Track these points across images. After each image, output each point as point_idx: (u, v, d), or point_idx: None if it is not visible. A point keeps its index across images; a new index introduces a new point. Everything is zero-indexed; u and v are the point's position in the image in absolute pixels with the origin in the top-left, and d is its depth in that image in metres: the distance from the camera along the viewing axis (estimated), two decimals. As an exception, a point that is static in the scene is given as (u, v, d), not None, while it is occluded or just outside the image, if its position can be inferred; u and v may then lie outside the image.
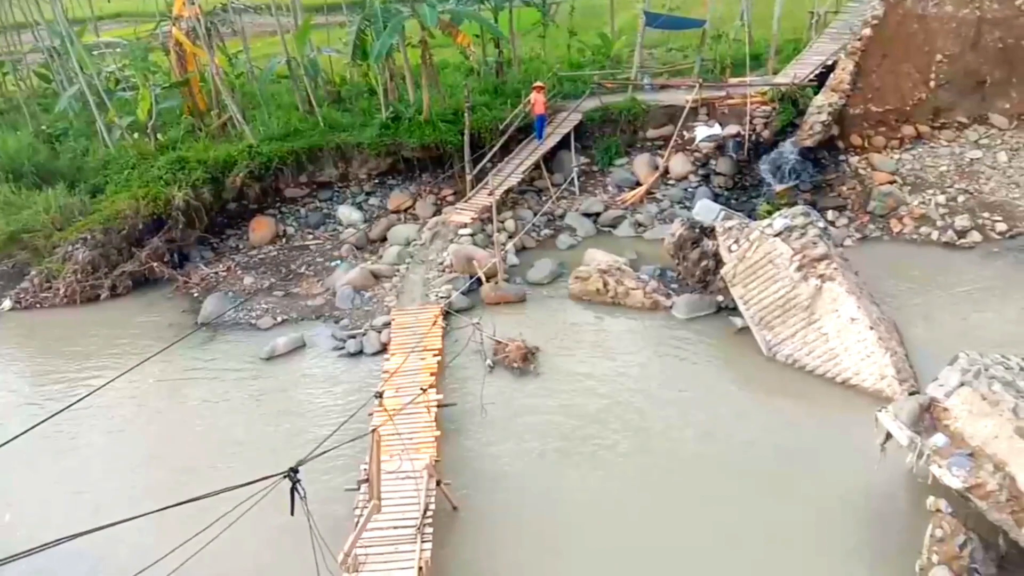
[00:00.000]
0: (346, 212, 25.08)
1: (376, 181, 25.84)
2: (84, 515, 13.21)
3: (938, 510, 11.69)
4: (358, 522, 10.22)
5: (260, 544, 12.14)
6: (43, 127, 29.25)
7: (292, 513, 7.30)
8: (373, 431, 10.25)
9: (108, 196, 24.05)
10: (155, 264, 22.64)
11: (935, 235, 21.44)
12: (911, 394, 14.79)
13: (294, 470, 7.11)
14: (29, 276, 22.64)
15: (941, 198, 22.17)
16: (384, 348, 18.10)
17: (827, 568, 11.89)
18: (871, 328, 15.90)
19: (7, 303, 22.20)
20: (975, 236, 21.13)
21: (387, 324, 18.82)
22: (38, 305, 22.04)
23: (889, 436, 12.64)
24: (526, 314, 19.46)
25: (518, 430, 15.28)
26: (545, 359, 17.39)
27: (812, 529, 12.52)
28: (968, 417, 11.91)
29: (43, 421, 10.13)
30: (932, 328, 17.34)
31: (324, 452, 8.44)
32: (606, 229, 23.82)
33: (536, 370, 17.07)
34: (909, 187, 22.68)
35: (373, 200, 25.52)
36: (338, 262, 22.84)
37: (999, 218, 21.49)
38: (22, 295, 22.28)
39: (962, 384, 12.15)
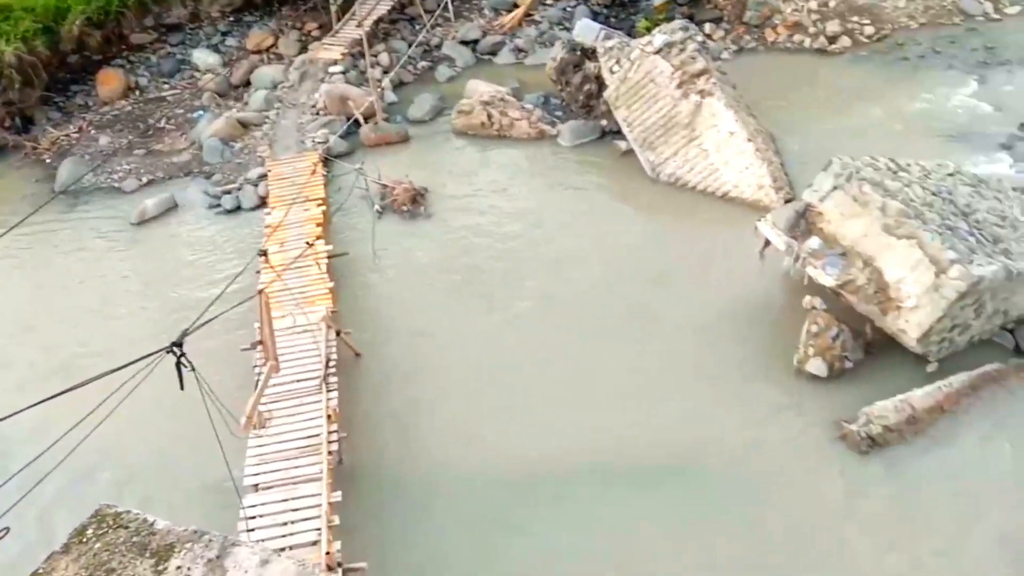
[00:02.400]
0: (202, 56, 22.97)
1: (231, 19, 23.62)
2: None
3: (813, 307, 12.55)
4: (258, 383, 10.04)
5: (162, 418, 11.75)
6: None
7: (182, 388, 7.01)
8: (260, 292, 9.83)
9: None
10: (-6, 131, 20.40)
11: (807, 42, 21.68)
12: (787, 201, 15.46)
13: (177, 344, 6.74)
14: None
15: (813, 3, 22.22)
16: (263, 202, 17.26)
17: (713, 366, 12.69)
18: (749, 140, 16.23)
19: None
20: (845, 41, 21.50)
21: (263, 176, 17.85)
22: None
23: (768, 243, 13.23)
24: (410, 154, 18.84)
25: (413, 273, 15.17)
26: (435, 199, 17.06)
27: (699, 332, 13.24)
28: (840, 219, 12.53)
29: None
30: (806, 136, 17.87)
31: (210, 320, 8.04)
32: (486, 57, 22.87)
33: (426, 211, 16.77)
34: (783, -6, 22.56)
35: (230, 41, 23.40)
36: (200, 113, 21.16)
37: (867, 21, 21.85)
38: None
39: (835, 188, 12.66)
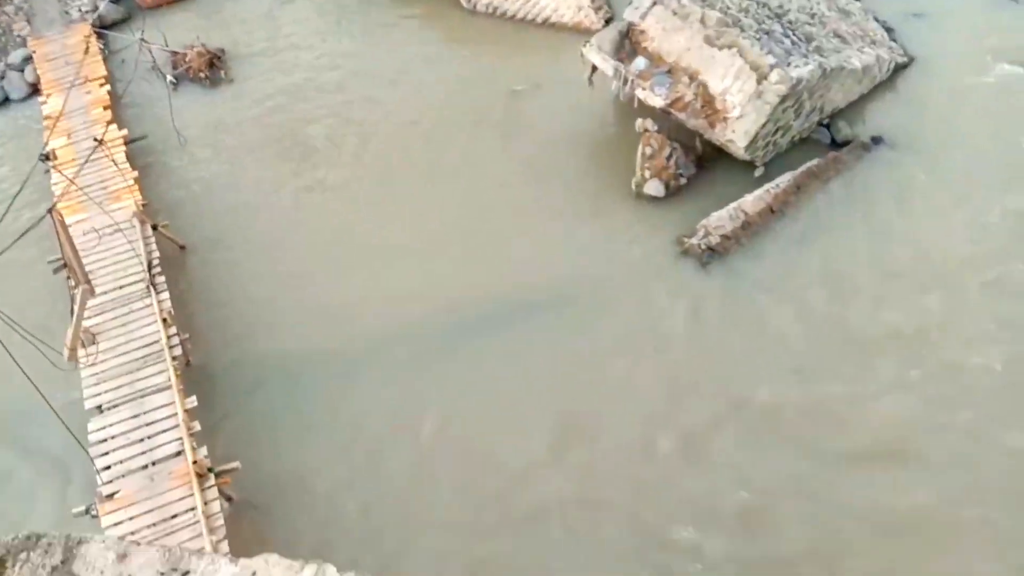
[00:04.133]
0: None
1: None
2: None
3: (646, 130, 12.59)
4: (72, 309, 8.93)
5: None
6: None
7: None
8: (51, 211, 8.48)
9: None
10: None
11: None
12: (608, 21, 15.11)
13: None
14: None
15: None
16: (35, 89, 14.97)
17: (556, 201, 12.63)
18: (563, -41, 15.50)
19: None
20: None
21: (28, 59, 15.39)
22: None
23: (595, 68, 12.95)
24: (197, 11, 16.73)
25: (226, 148, 13.86)
26: (235, 61, 15.40)
27: (538, 169, 13.04)
28: (663, 35, 12.37)
29: None
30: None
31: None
32: None
33: (228, 76, 15.15)
34: None
35: None
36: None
37: None
38: None
39: (655, 3, 12.41)
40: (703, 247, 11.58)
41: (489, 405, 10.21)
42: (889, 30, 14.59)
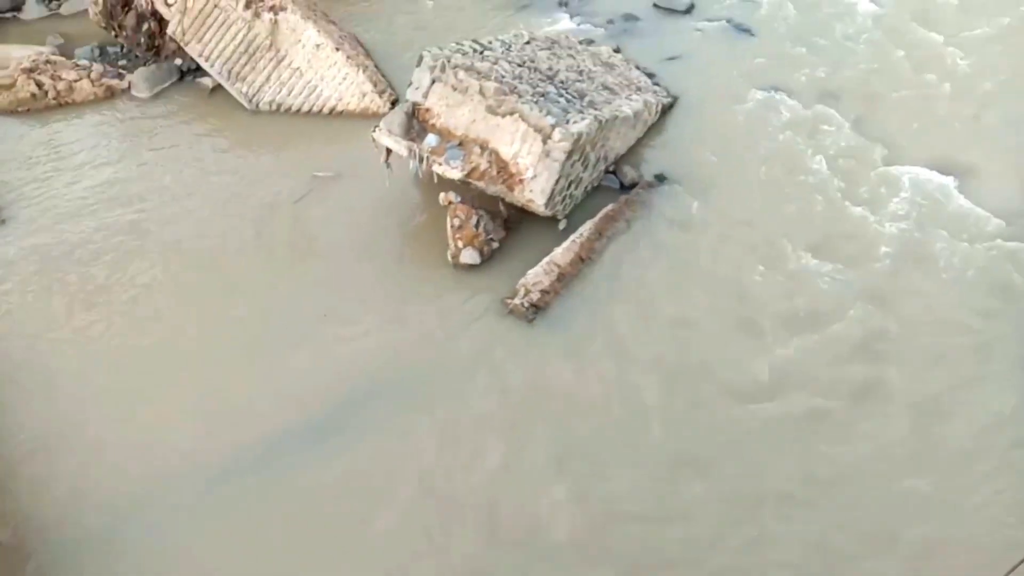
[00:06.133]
0: None
1: None
2: None
3: (450, 202, 12.90)
4: None
5: None
6: None
7: None
8: None
9: None
10: None
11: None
12: (393, 104, 15.45)
13: None
14: None
15: None
16: None
17: (372, 277, 12.62)
18: (337, 49, 15.73)
19: None
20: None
21: None
22: None
23: (389, 151, 13.16)
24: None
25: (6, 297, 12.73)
26: (5, 201, 14.26)
27: (350, 250, 13.02)
28: (447, 110, 12.80)
29: None
30: (388, 34, 17.74)
31: None
32: (8, 15, 19.12)
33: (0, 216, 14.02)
34: None
35: None
36: None
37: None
38: None
39: (434, 81, 12.83)
40: (526, 305, 11.93)
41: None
42: (651, 75, 15.91)
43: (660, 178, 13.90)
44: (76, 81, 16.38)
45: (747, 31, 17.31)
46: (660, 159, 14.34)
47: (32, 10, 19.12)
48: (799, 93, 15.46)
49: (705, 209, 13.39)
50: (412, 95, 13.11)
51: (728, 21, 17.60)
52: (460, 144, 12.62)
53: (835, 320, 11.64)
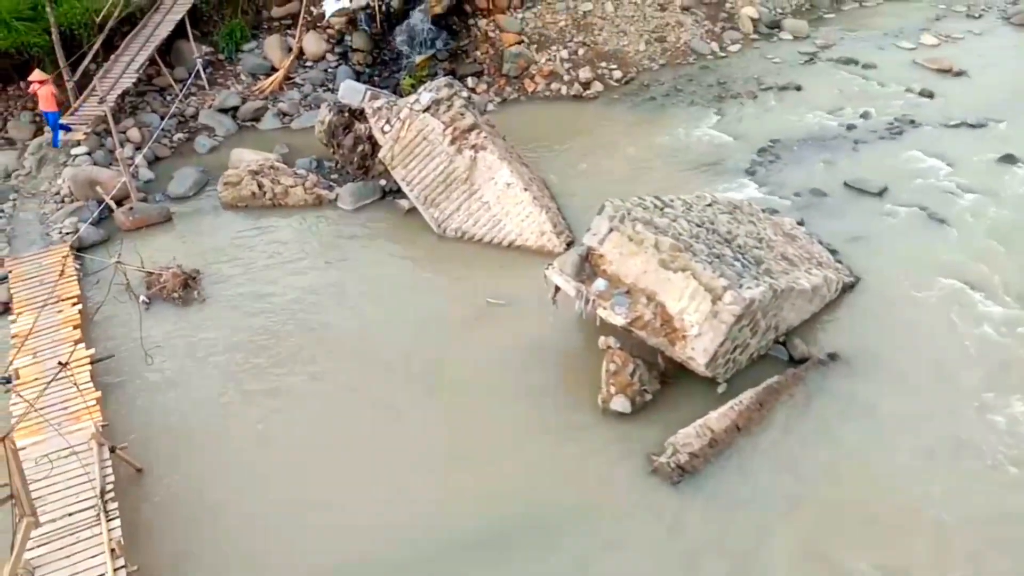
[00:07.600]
0: (-89, 148, 19.99)
1: (-56, 104, 20.83)
2: None
3: (609, 347, 12.93)
4: (13, 544, 8.46)
5: None
6: None
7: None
8: (3, 440, 8.21)
9: None
10: None
11: (564, 89, 22.87)
12: (569, 245, 15.99)
13: None
14: None
15: (564, 53, 23.51)
16: (7, 308, 15.12)
17: (523, 411, 12.69)
18: (525, 189, 16.64)
19: None
20: (597, 86, 22.92)
21: (2, 279, 15.67)
22: None
23: (558, 289, 13.50)
24: (176, 234, 17.43)
25: (193, 367, 13.84)
26: (209, 282, 15.81)
27: (505, 379, 13.23)
28: (620, 259, 13.05)
29: None
30: (576, 179, 18.67)
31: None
32: (248, 124, 21.89)
33: (201, 295, 15.48)
34: (535, 45, 23.67)
35: (-54, 129, 20.63)
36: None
37: (614, 66, 23.46)
38: None
39: (611, 230, 13.19)
40: (672, 466, 11.52)
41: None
42: (833, 252, 15.59)
43: (832, 356, 13.32)
44: (292, 187, 18.25)
45: (942, 220, 16.70)
46: (834, 338, 13.78)
47: (268, 122, 21.78)
48: (992, 293, 14.57)
49: (877, 397, 12.60)
50: (588, 240, 13.52)
51: (922, 208, 17.09)
52: (628, 292, 12.76)
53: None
